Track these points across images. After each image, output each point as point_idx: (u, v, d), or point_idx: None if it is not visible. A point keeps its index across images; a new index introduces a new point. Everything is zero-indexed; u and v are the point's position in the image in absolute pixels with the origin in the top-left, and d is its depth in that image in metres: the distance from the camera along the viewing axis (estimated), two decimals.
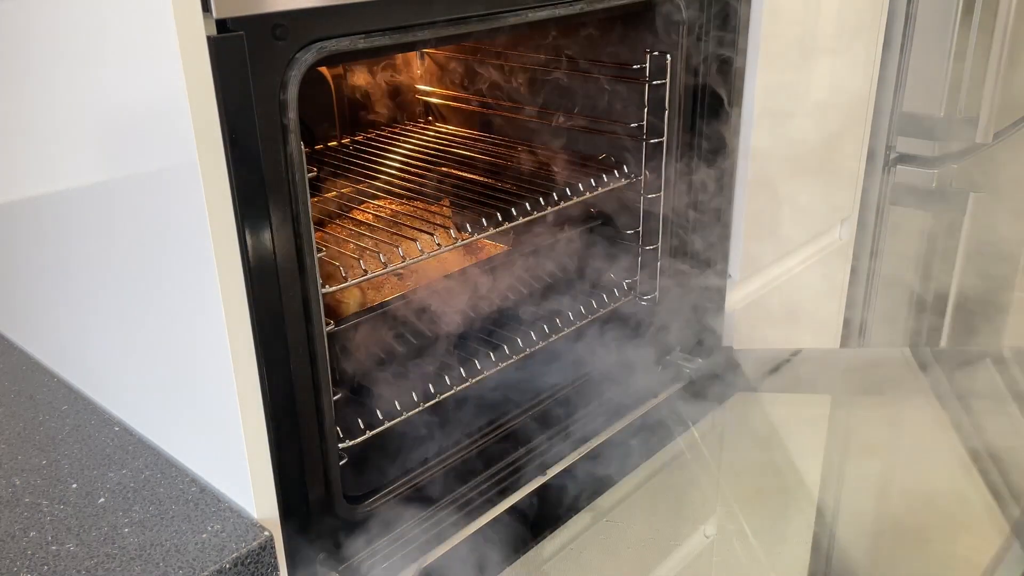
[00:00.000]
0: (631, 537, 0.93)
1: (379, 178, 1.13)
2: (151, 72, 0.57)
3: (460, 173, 1.14)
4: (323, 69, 1.22)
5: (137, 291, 0.70)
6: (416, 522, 0.83)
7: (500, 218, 0.93)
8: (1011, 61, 1.42)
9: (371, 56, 1.03)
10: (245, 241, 0.60)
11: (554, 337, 1.00)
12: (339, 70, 1.26)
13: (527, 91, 1.19)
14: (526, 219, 0.95)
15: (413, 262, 0.83)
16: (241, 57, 0.57)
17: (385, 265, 0.81)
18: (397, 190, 1.09)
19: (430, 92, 1.34)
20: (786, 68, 1.13)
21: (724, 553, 0.95)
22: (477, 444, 0.88)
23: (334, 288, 0.77)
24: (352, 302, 0.93)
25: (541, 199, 0.97)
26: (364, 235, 0.92)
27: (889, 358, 1.35)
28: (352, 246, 0.88)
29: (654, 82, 1.01)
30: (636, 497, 0.97)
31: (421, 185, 1.10)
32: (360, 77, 1.30)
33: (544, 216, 0.98)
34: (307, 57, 0.62)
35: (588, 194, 1.01)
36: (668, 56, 0.98)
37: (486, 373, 0.92)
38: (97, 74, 0.63)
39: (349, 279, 0.78)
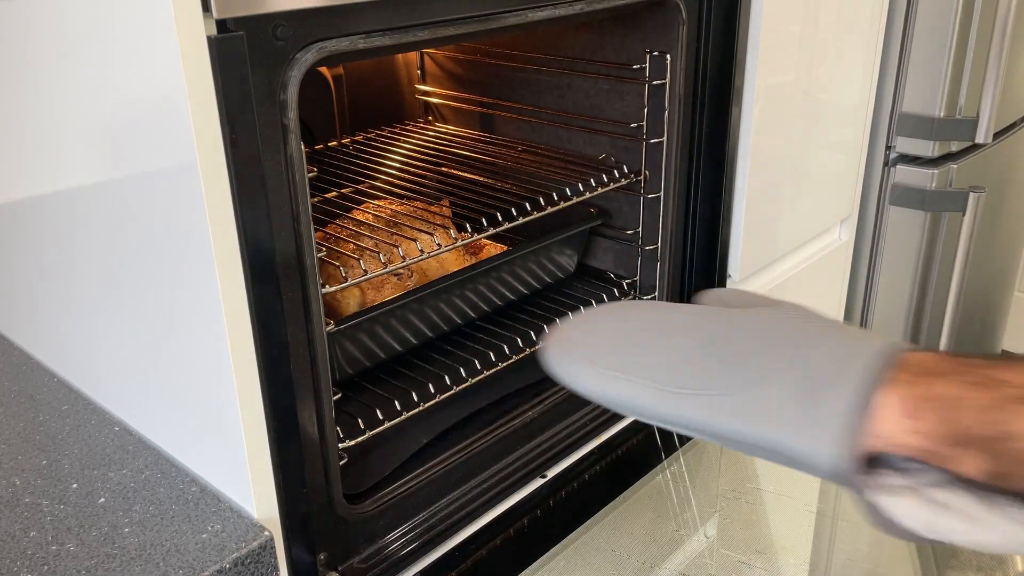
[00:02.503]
0: (631, 538, 0.93)
1: (379, 178, 1.13)
2: (151, 72, 0.57)
3: (460, 173, 1.14)
4: (323, 69, 1.22)
5: (137, 291, 0.70)
6: (416, 522, 0.83)
7: (500, 218, 0.93)
8: (1011, 61, 1.42)
9: (371, 56, 1.03)
10: (245, 241, 0.60)
11: None
12: (339, 70, 1.26)
13: (527, 91, 1.19)
14: (526, 219, 0.95)
15: (413, 262, 0.83)
16: (241, 57, 0.57)
17: (385, 265, 0.81)
18: (397, 190, 1.09)
19: (430, 92, 1.34)
20: (786, 68, 1.13)
21: (724, 554, 0.95)
22: (477, 445, 0.88)
23: (334, 288, 0.77)
24: (352, 302, 0.93)
25: (541, 199, 0.97)
26: (364, 235, 0.92)
27: None
28: (352, 246, 0.88)
29: (654, 82, 1.01)
30: (636, 498, 0.97)
31: (421, 185, 1.10)
32: (360, 77, 1.30)
33: (544, 216, 0.98)
34: (307, 57, 0.62)
35: (588, 194, 1.01)
36: (668, 56, 0.98)
37: (486, 373, 0.92)
38: (97, 74, 0.63)
39: (349, 279, 0.78)
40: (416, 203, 1.05)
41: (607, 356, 0.57)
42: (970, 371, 0.48)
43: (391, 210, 1.02)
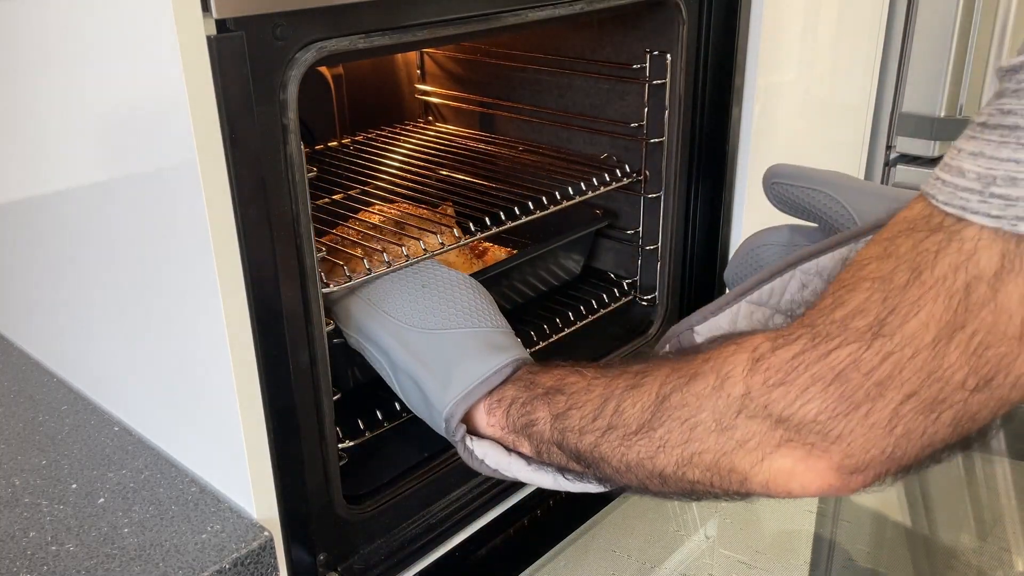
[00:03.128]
0: (631, 538, 0.93)
1: (380, 179, 1.12)
2: (151, 72, 0.57)
3: (461, 176, 1.14)
4: (323, 68, 1.22)
5: (136, 291, 0.70)
6: (416, 522, 0.83)
7: (503, 217, 0.93)
8: None
9: (371, 56, 1.03)
10: (244, 241, 0.60)
11: (555, 337, 1.00)
12: (339, 69, 1.25)
13: (527, 91, 1.19)
14: (529, 218, 0.95)
15: (416, 261, 0.83)
16: (241, 57, 0.57)
17: (389, 265, 0.81)
18: (400, 190, 1.08)
19: (430, 92, 1.34)
20: (786, 68, 1.13)
21: (724, 554, 0.95)
22: None
23: (337, 288, 0.77)
24: None
25: (544, 198, 0.97)
26: (372, 236, 0.92)
27: None
28: (360, 249, 0.88)
29: (654, 82, 1.01)
30: (636, 498, 0.97)
31: (423, 187, 1.09)
32: (360, 76, 1.30)
33: (547, 218, 0.97)
34: (307, 57, 0.62)
35: (590, 193, 1.01)
36: (668, 56, 0.98)
37: None
38: (96, 74, 0.63)
39: (353, 280, 0.78)
40: (420, 207, 1.04)
41: (375, 297, 0.77)
42: (527, 377, 0.65)
43: (396, 212, 1.01)
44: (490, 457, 0.65)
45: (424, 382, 0.68)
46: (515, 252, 1.10)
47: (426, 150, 1.22)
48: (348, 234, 0.93)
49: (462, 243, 0.91)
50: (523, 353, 0.70)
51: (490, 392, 0.66)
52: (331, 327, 0.75)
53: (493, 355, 0.68)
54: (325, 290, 0.76)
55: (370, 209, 1.02)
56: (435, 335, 0.71)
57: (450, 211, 1.04)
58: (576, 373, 0.62)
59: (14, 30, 0.70)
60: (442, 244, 0.88)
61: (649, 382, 0.56)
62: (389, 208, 1.03)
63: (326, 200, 1.04)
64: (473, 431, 0.67)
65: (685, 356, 0.55)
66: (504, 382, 0.66)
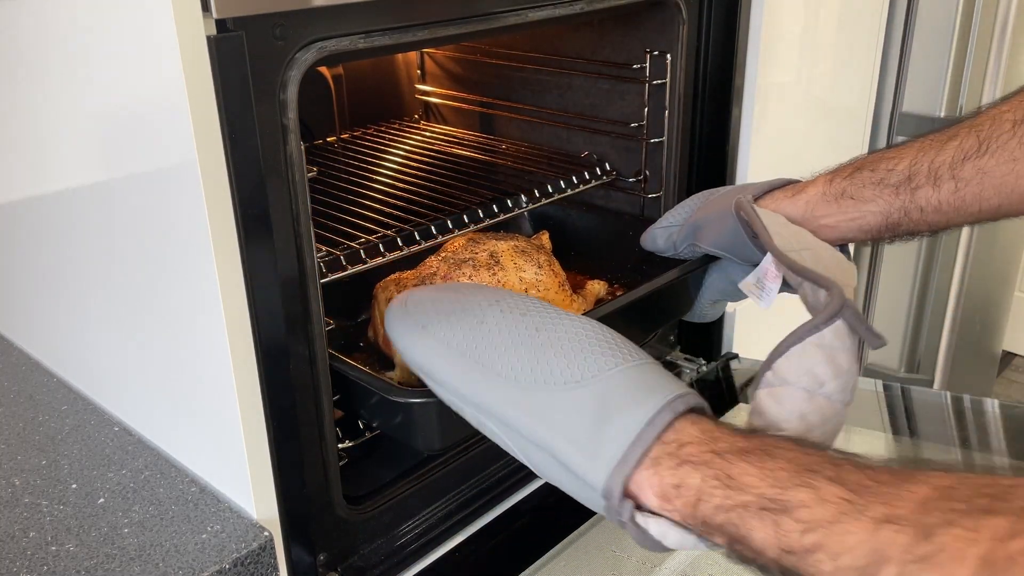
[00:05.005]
0: (631, 538, 0.92)
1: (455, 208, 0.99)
2: (151, 72, 0.57)
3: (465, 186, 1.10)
4: (323, 68, 1.22)
5: (136, 291, 0.70)
6: (417, 522, 0.83)
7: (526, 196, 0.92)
8: (1012, 60, 1.42)
9: (371, 56, 1.03)
10: (244, 241, 0.60)
11: None
12: (339, 69, 1.25)
13: (527, 91, 1.19)
14: (561, 196, 0.96)
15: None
16: (241, 57, 0.57)
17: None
18: (486, 221, 0.96)
19: (430, 92, 1.33)
20: (786, 68, 1.13)
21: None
22: (478, 445, 0.88)
23: (332, 278, 0.76)
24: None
25: (549, 186, 0.98)
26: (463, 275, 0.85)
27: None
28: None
29: (654, 82, 1.01)
30: None
31: (502, 212, 0.98)
32: (360, 77, 1.30)
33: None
34: (307, 57, 0.62)
35: (593, 182, 1.02)
36: (668, 56, 0.98)
37: None
38: (96, 74, 0.63)
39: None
40: (514, 237, 0.94)
41: (435, 323, 0.62)
42: (716, 463, 0.51)
43: (490, 246, 0.90)
44: (671, 538, 0.53)
45: (563, 453, 0.55)
46: (613, 285, 0.99)
47: (430, 158, 1.20)
48: (438, 271, 0.86)
49: (502, 217, 0.90)
50: (678, 388, 0.55)
51: (656, 457, 0.52)
52: (331, 327, 0.75)
53: (642, 400, 0.54)
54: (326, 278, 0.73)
55: (454, 242, 0.91)
56: (566, 392, 0.56)
57: (545, 239, 0.97)
58: (806, 485, 0.47)
59: (14, 30, 0.70)
60: (538, 272, 0.84)
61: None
62: (476, 239, 0.91)
63: (393, 231, 0.92)
64: (637, 502, 0.54)
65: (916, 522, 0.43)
66: (679, 462, 0.52)
